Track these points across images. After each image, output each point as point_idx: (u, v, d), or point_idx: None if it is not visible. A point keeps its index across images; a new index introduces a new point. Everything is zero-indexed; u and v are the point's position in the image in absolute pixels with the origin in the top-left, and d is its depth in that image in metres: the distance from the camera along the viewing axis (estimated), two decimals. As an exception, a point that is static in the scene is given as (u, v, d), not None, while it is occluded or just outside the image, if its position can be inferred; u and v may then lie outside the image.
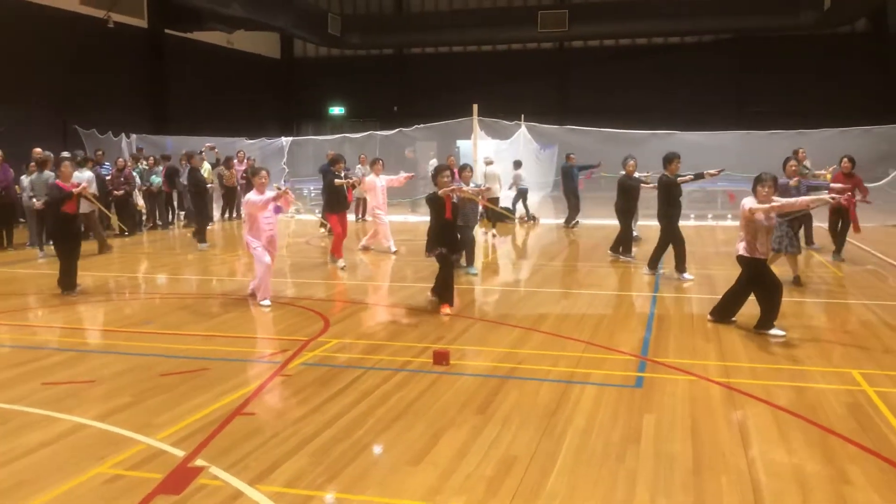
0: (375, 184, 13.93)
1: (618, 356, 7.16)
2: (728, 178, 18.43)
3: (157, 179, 18.76)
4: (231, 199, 20.55)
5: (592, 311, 9.17)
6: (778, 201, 7.72)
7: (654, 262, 11.47)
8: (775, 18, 30.02)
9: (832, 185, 11.32)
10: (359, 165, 18.41)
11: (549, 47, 34.90)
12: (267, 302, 9.43)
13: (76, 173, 15.05)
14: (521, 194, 19.70)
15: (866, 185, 12.67)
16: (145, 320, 8.83)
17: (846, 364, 6.81)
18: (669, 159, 10.96)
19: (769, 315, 7.82)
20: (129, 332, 8.25)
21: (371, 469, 4.63)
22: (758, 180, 7.75)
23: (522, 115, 21.00)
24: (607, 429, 5.25)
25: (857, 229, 11.91)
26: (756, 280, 7.90)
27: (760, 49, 31.96)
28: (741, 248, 7.90)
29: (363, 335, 8.04)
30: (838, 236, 12.50)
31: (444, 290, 9.06)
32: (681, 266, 11.01)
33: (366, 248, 14.31)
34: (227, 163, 19.81)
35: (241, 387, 6.23)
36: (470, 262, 11.82)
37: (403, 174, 14.32)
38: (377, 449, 4.97)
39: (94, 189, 14.60)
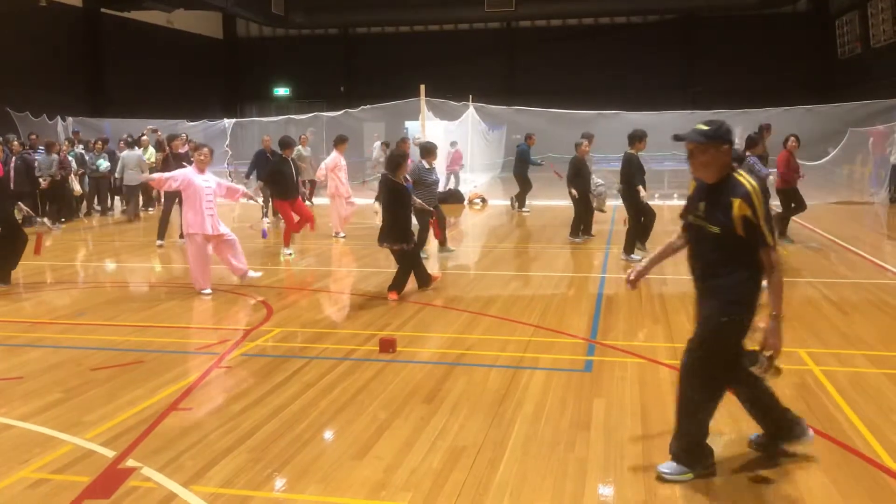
0: (340, 163, 13.58)
1: (567, 339, 7.07)
2: (676, 159, 18.58)
3: (103, 164, 18.08)
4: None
5: (541, 294, 9.08)
6: None
7: (631, 247, 11.18)
8: (719, -2, 30.38)
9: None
10: (299, 146, 17.91)
11: (496, 27, 34.79)
12: (207, 290, 9.12)
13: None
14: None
15: (808, 162, 12.81)
16: (78, 311, 8.47)
17: (793, 343, 6.80)
18: (640, 137, 10.75)
19: None
20: (62, 324, 7.90)
21: (313, 465, 4.44)
22: (743, 157, 7.81)
23: (471, 96, 20.82)
24: (556, 415, 5.14)
25: None
26: None
27: (705, 29, 32.32)
28: None
29: (307, 323, 7.81)
30: (779, 219, 12.53)
31: (400, 280, 8.81)
32: (629, 248, 10.97)
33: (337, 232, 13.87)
34: (164, 145, 19.15)
35: (177, 380, 5.96)
36: (443, 241, 11.86)
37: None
38: (320, 443, 4.78)
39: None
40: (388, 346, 6.61)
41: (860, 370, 6.03)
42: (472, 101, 20.81)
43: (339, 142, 13.83)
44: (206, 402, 5.54)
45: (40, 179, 15.59)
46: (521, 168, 17.56)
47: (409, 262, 8.86)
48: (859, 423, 4.91)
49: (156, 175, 9.49)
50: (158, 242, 12.91)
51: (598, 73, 31.64)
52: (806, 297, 8.66)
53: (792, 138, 12.28)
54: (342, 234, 13.64)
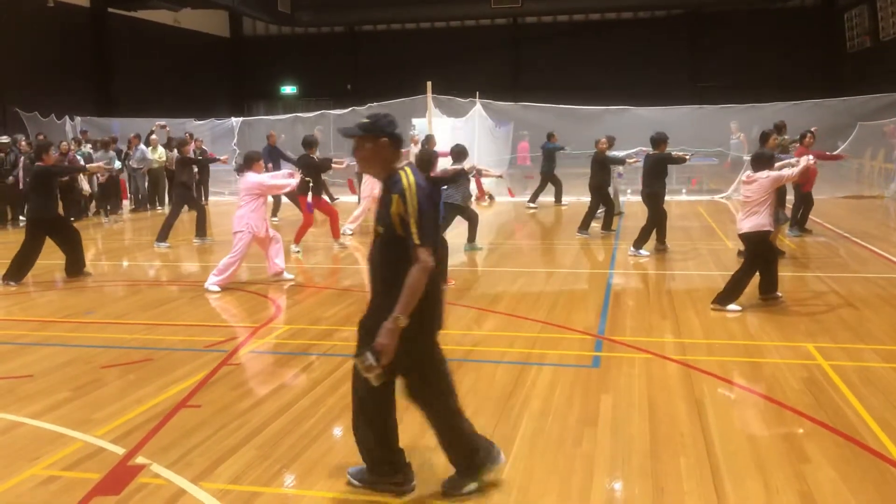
0: None
1: (574, 335, 7.07)
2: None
3: (115, 163, 18.14)
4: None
5: (549, 290, 9.07)
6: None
7: (641, 242, 11.11)
8: (726, -7, 30.23)
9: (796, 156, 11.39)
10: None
11: (502, 23, 34.67)
12: (216, 287, 9.16)
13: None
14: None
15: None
16: (87, 310, 8.51)
17: (801, 338, 6.80)
18: (665, 140, 10.94)
19: (735, 292, 7.73)
20: (71, 322, 7.94)
21: (321, 462, 4.45)
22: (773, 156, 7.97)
23: (477, 93, 20.78)
24: (564, 411, 5.14)
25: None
26: (765, 253, 7.75)
27: (712, 24, 32.14)
28: (754, 223, 7.63)
29: (315, 320, 7.82)
30: (793, 212, 12.50)
31: None
32: (640, 242, 10.95)
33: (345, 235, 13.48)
34: (175, 144, 19.21)
35: (186, 378, 5.98)
36: (473, 238, 11.90)
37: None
38: (328, 439, 4.80)
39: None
40: (395, 342, 6.61)
41: (869, 365, 6.01)
42: (479, 98, 20.76)
43: None
44: (214, 400, 5.55)
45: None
46: (548, 167, 17.57)
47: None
48: (868, 418, 4.89)
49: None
50: (164, 245, 12.84)
51: (605, 69, 31.51)
52: (815, 292, 8.64)
53: (809, 134, 12.19)
54: (350, 232, 13.67)
